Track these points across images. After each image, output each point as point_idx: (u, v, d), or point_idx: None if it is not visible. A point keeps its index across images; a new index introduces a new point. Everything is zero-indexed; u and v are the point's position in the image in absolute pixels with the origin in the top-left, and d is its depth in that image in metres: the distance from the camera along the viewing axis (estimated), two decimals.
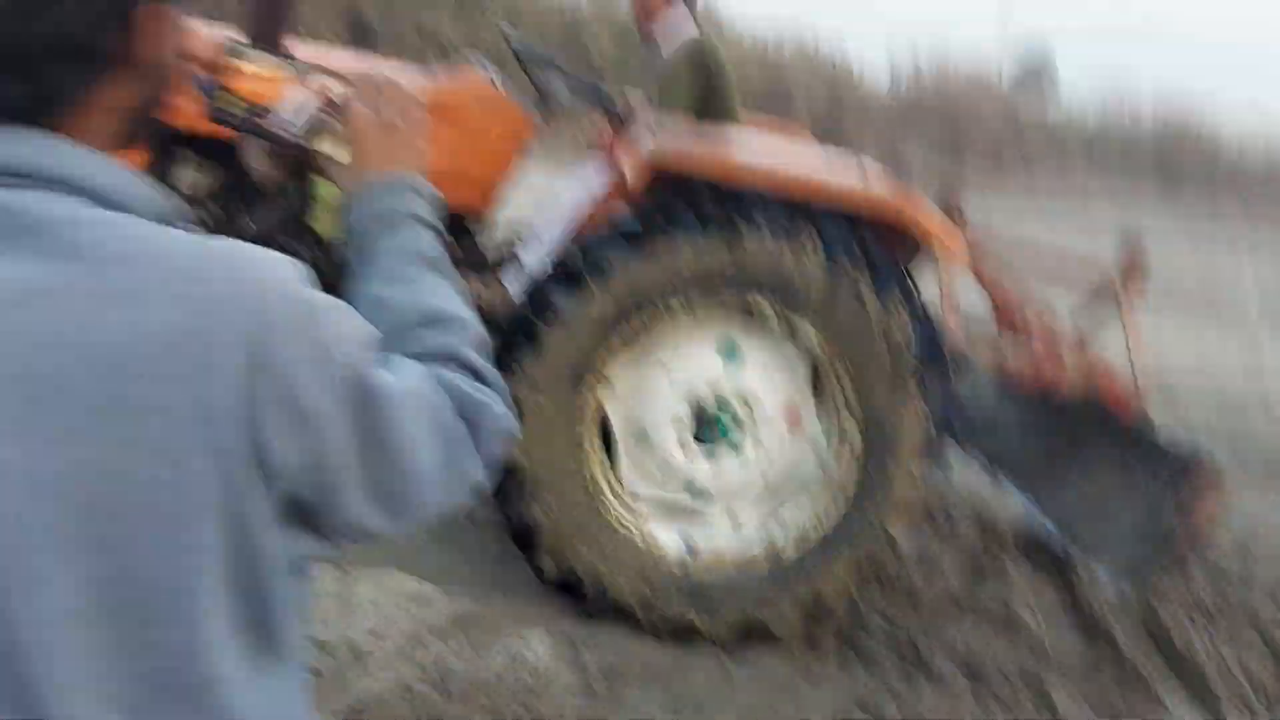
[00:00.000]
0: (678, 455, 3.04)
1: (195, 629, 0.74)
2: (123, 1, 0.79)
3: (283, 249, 0.93)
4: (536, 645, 2.79)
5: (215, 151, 2.87)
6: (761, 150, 3.44)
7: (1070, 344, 3.44)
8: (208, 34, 2.80)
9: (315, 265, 1.15)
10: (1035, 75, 23.25)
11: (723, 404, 3.03)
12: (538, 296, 2.92)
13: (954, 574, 3.58)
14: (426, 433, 0.89)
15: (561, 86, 3.32)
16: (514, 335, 2.91)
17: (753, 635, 3.04)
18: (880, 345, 2.93)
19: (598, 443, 3.04)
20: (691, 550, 3.10)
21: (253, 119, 2.42)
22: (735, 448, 3.06)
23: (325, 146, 1.18)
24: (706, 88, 3.67)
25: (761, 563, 3.06)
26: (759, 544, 3.09)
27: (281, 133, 1.70)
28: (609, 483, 3.05)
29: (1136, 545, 3.17)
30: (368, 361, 0.84)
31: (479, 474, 0.96)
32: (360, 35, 16.66)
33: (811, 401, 3.10)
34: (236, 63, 2.56)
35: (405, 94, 1.13)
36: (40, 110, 0.77)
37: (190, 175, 3.00)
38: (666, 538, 3.09)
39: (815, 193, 2.95)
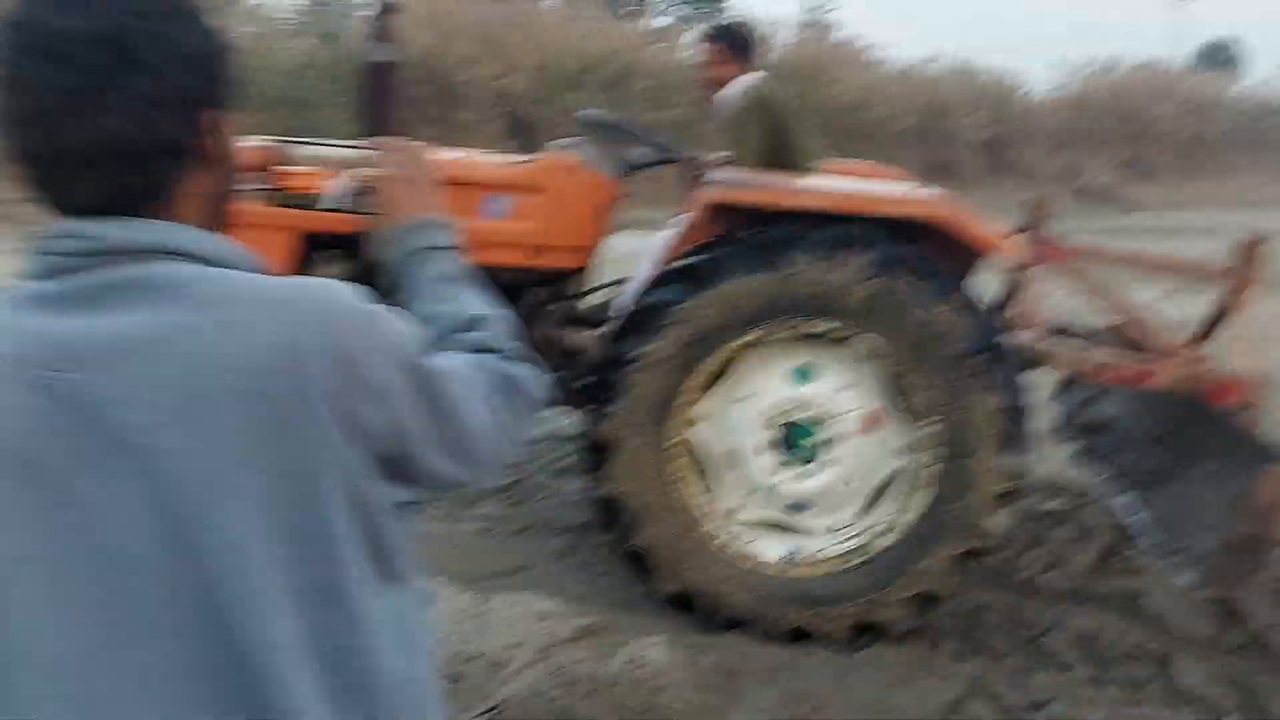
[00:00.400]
0: (766, 475, 3.27)
1: (335, 552, 0.98)
2: (200, 111, 1.01)
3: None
4: (656, 650, 3.03)
5: (345, 244, 3.33)
6: (815, 182, 3.64)
7: (1177, 346, 3.45)
8: (255, 143, 3.21)
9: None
10: (1218, 60, 22.06)
11: (803, 421, 3.25)
12: (616, 342, 3.23)
13: (1081, 564, 3.61)
14: (476, 401, 1.12)
15: (639, 150, 3.65)
16: (601, 381, 3.22)
17: (865, 632, 3.19)
18: (942, 348, 3.09)
19: (692, 474, 3.29)
20: (793, 559, 3.29)
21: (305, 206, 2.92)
22: (820, 461, 3.26)
23: (369, 213, 1.51)
24: (771, 134, 3.94)
25: (861, 563, 3.22)
26: (856, 546, 3.26)
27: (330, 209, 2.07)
28: (706, 508, 3.28)
29: (1214, 544, 3.08)
30: (421, 348, 1.07)
31: (522, 432, 1.22)
32: (520, 130, 17.77)
33: (890, 409, 3.25)
34: (283, 166, 3.09)
35: (419, 155, 1.42)
36: (141, 200, 0.99)
37: (332, 269, 3.48)
38: (768, 551, 3.29)
39: (859, 207, 3.16)
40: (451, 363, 1.12)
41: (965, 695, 2.98)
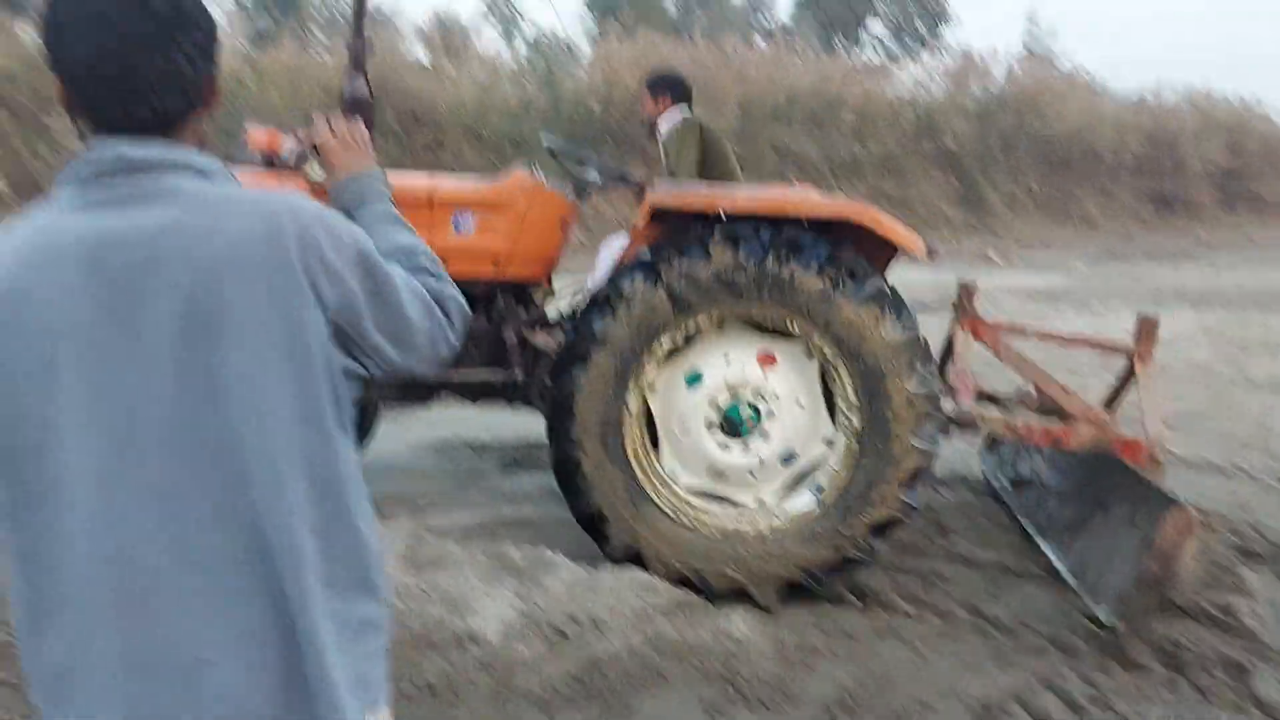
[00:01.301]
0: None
1: (318, 390, 1.27)
2: (209, 65, 1.32)
3: None
4: (740, 622, 3.37)
5: None
6: (748, 189, 4.03)
7: (1090, 410, 3.93)
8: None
9: None
10: None
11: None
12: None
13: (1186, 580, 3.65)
14: (411, 298, 1.41)
15: (592, 172, 4.17)
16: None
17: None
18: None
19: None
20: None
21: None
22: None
23: (309, 168, 1.95)
24: (701, 155, 4.79)
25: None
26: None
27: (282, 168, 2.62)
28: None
29: (1126, 586, 3.29)
30: (368, 244, 1.35)
31: (452, 335, 1.49)
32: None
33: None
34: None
35: (353, 123, 1.74)
36: (163, 126, 1.29)
37: None
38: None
39: (784, 208, 3.56)
40: (395, 269, 1.42)
41: (1033, 685, 3.13)
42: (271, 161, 3.55)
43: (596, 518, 3.61)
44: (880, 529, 3.55)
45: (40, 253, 1.21)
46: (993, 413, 3.99)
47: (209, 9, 1.33)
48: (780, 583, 3.55)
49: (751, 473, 3.66)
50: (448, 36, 19.44)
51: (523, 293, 4.13)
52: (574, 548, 3.70)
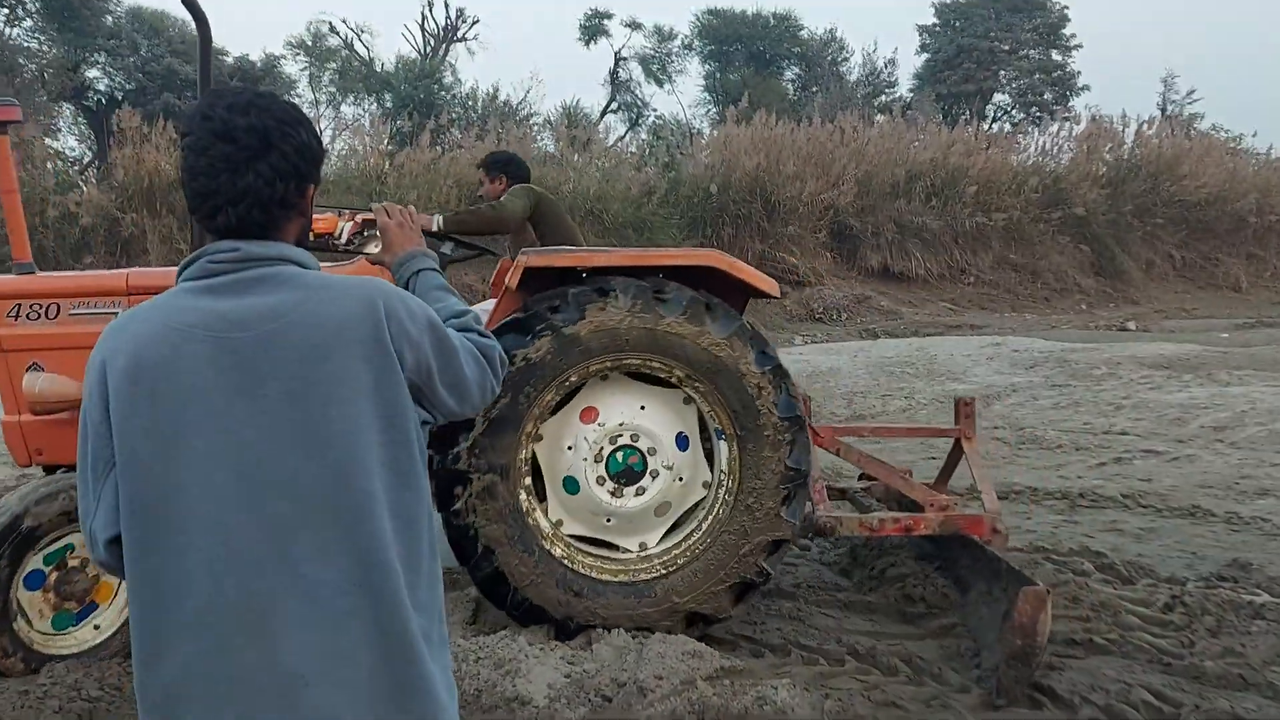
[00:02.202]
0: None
1: (409, 441, 1.53)
2: (304, 184, 1.58)
3: None
4: (784, 691, 3.37)
5: None
6: (606, 249, 4.28)
7: (932, 494, 4.19)
8: None
9: None
10: None
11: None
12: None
13: (1258, 655, 3.48)
14: (467, 356, 1.66)
15: (448, 244, 4.37)
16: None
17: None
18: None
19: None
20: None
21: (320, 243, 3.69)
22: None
23: (367, 248, 2.16)
24: (535, 216, 5.01)
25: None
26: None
27: (336, 247, 2.81)
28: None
29: (997, 658, 3.37)
30: (434, 313, 1.62)
31: (495, 384, 1.75)
32: (841, 238, 18.34)
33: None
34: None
35: (405, 209, 2.09)
36: (267, 230, 1.55)
37: None
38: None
39: (651, 260, 3.82)
40: (453, 332, 1.68)
41: None
42: (325, 243, 3.88)
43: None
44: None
45: (175, 331, 1.46)
46: (846, 516, 4.20)
47: (305, 133, 1.58)
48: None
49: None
50: (575, 127, 20.28)
51: None
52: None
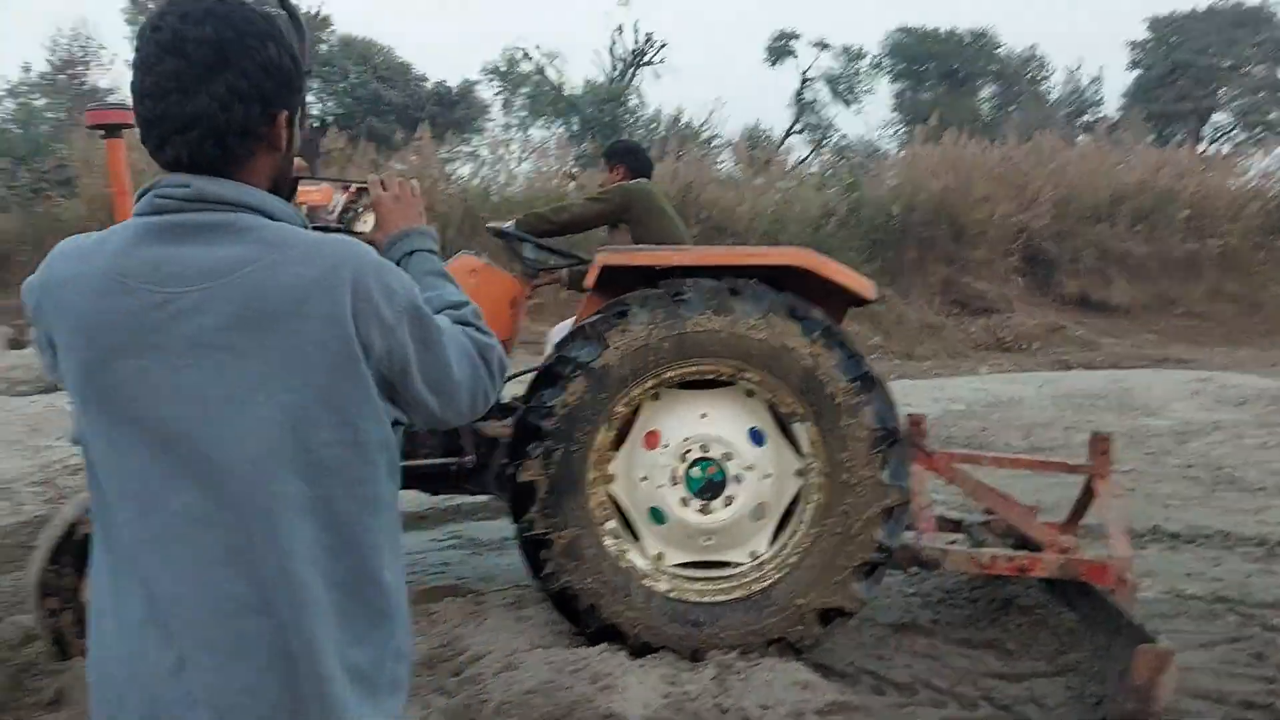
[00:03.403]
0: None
1: (356, 438, 1.27)
2: (270, 108, 1.30)
3: None
4: None
5: None
6: (692, 247, 4.06)
7: (1053, 534, 3.86)
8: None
9: None
10: None
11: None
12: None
13: None
14: (458, 354, 1.38)
15: (529, 248, 4.15)
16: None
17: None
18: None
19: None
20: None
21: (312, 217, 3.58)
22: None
23: (357, 224, 1.98)
24: (631, 215, 4.72)
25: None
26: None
27: (326, 222, 2.63)
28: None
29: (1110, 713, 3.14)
30: (419, 297, 1.33)
31: (491, 389, 1.46)
32: (1034, 262, 17.36)
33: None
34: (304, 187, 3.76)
35: (404, 181, 1.73)
36: (227, 165, 1.29)
37: None
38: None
39: (736, 260, 3.59)
40: (444, 321, 1.40)
41: None
42: (318, 217, 3.83)
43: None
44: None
45: (104, 278, 1.24)
46: (955, 549, 3.90)
47: (275, 47, 1.31)
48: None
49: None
50: (756, 148, 20.09)
51: None
52: None
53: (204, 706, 1.22)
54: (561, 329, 4.41)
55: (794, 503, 3.59)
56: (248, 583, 1.23)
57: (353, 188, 1.93)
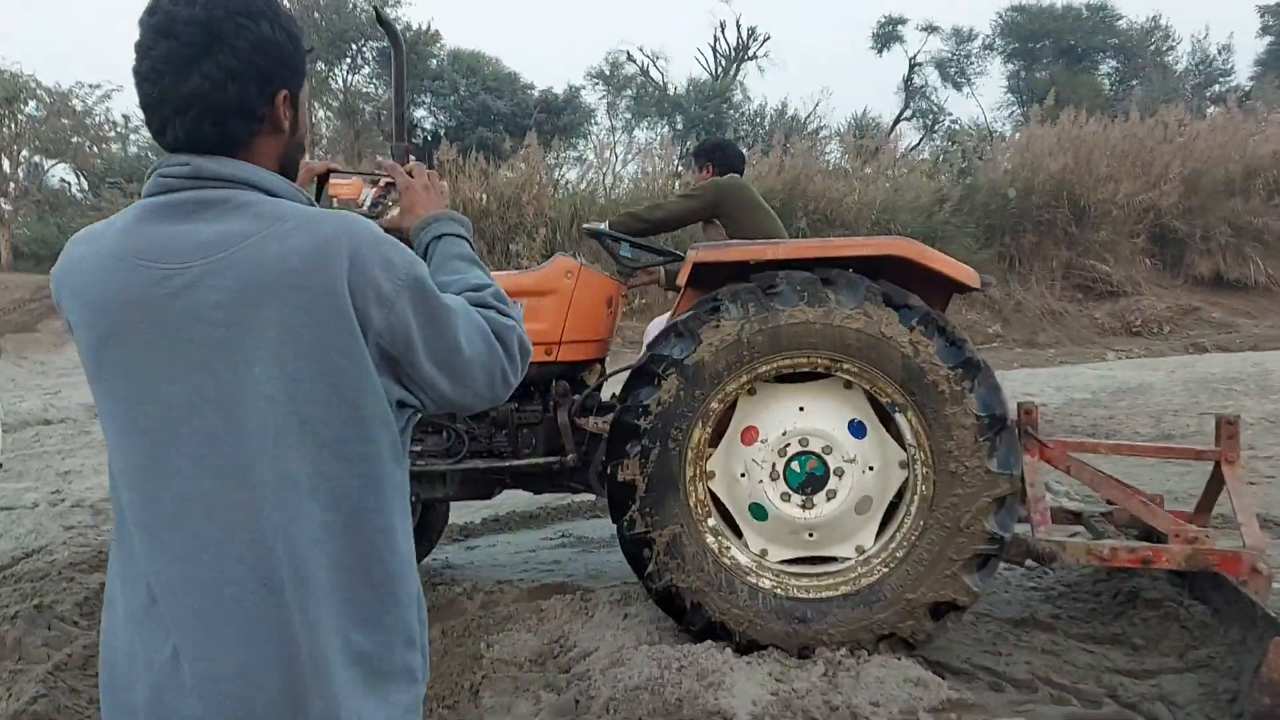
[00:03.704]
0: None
1: (358, 414, 1.25)
2: (268, 87, 1.30)
3: None
4: None
5: None
6: (785, 240, 4.02)
7: (1180, 524, 3.70)
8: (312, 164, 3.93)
9: None
10: None
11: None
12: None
13: None
14: (470, 330, 1.34)
15: (625, 247, 4.12)
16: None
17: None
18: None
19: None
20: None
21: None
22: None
23: (388, 214, 2.01)
24: (722, 211, 4.67)
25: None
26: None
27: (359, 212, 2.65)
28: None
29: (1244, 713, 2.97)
30: (424, 272, 1.30)
31: (510, 371, 1.41)
32: (1163, 243, 16.58)
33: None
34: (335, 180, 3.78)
35: (428, 170, 1.73)
36: (227, 145, 1.29)
37: None
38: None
39: (831, 251, 3.53)
40: (455, 299, 1.37)
41: None
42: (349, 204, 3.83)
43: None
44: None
45: (113, 258, 1.26)
46: (1073, 541, 3.75)
47: (269, 24, 1.30)
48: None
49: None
50: (863, 137, 19.74)
51: (575, 376, 4.08)
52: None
53: (201, 693, 1.21)
54: (656, 325, 4.40)
55: (899, 495, 3.52)
56: (249, 564, 1.21)
57: (382, 181, 1.98)
